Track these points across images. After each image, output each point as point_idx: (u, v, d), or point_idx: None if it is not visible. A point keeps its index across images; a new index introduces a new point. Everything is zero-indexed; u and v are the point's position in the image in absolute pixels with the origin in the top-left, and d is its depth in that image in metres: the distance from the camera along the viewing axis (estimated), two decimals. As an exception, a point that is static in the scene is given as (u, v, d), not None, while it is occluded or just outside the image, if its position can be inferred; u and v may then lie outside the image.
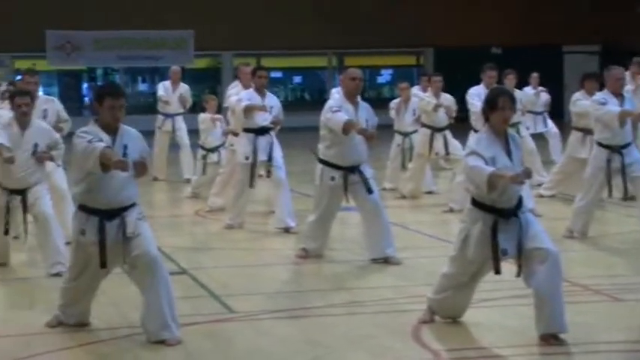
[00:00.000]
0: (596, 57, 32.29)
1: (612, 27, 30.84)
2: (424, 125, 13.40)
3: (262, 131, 10.94)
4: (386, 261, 9.05)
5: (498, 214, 6.37)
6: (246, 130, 11.00)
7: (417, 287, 8.14)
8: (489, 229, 6.36)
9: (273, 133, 11.10)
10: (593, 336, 6.59)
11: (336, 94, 9.87)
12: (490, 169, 6.23)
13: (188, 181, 14.86)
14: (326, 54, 32.54)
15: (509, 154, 6.41)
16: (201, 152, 13.67)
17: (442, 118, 13.23)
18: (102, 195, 6.50)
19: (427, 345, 6.44)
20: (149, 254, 6.52)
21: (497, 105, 6.37)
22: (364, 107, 9.22)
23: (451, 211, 11.93)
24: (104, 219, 6.51)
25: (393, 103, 14.37)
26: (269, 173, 10.97)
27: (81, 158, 6.42)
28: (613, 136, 9.74)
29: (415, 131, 13.81)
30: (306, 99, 33.08)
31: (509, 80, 13.84)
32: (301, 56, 32.16)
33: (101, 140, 6.43)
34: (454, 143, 13.14)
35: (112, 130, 6.57)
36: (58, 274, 8.36)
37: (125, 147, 6.55)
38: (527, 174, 6.31)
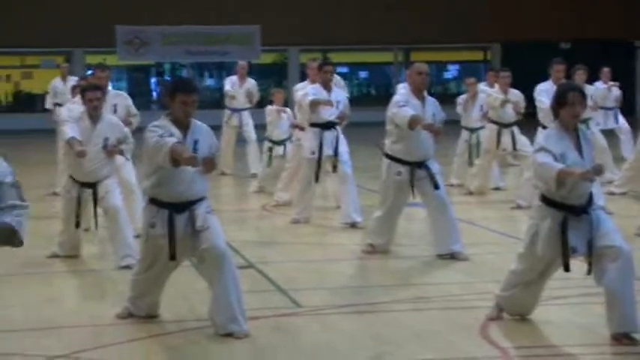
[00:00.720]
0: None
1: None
2: (491, 121, 13.31)
3: (328, 126, 10.95)
4: (452, 257, 9.01)
5: (568, 211, 6.29)
6: (313, 125, 11.04)
7: (484, 284, 8.09)
8: (559, 225, 6.27)
9: (339, 128, 11.11)
10: None
11: (402, 89, 9.80)
12: (559, 165, 6.16)
13: (254, 175, 14.96)
14: (392, 49, 32.46)
15: (579, 150, 6.33)
16: (267, 144, 13.72)
17: (510, 114, 13.12)
18: (172, 188, 6.56)
19: (495, 342, 6.39)
20: (218, 248, 6.56)
21: (567, 100, 6.27)
22: (431, 102, 9.18)
23: (519, 207, 11.84)
24: (174, 212, 6.57)
25: (460, 99, 14.29)
26: (335, 168, 10.99)
27: (152, 152, 6.46)
28: None
29: (482, 127, 13.72)
30: (372, 94, 33.05)
31: (579, 76, 13.63)
32: (368, 51, 32.13)
33: (172, 135, 6.47)
34: (522, 139, 13.02)
35: (183, 125, 6.57)
36: (127, 267, 8.46)
37: (196, 142, 6.57)
38: (598, 171, 6.22)
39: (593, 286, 6.48)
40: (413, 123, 8.83)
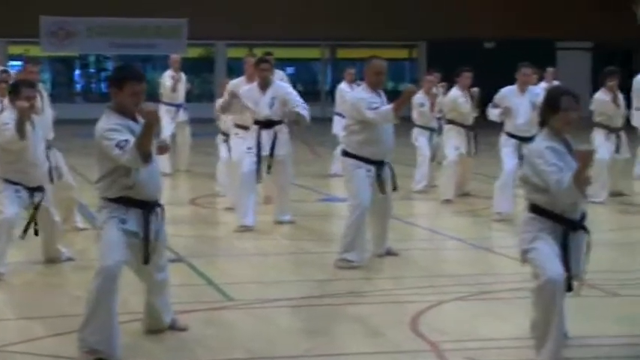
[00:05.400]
0: (589, 54, 32.41)
1: (605, 24, 30.95)
2: (453, 122, 12.99)
3: (266, 124, 10.73)
4: (387, 252, 9.04)
5: (568, 225, 5.76)
6: (255, 123, 10.76)
7: (414, 279, 8.20)
8: (559, 240, 5.75)
9: (281, 126, 10.82)
10: (591, 330, 6.64)
11: (361, 90, 8.92)
12: (567, 175, 5.58)
13: (189, 171, 14.86)
14: (319, 46, 32.57)
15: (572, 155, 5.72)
16: (221, 137, 13.30)
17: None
18: (144, 187, 6.15)
19: (425, 336, 6.47)
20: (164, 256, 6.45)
21: (561, 106, 5.74)
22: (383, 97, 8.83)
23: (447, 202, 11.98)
24: (147, 212, 6.17)
25: (419, 98, 13.70)
26: (269, 168, 10.79)
27: (118, 161, 5.95)
28: None
29: (439, 127, 13.57)
30: (298, 90, 33.05)
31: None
32: (294, 47, 32.18)
33: (132, 131, 5.99)
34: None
35: (131, 117, 6.11)
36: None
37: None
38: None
39: (522, 282, 6.60)
40: (397, 110, 8.50)
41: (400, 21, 30.70)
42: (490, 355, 6.05)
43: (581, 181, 5.51)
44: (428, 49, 32.16)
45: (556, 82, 16.70)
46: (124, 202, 6.08)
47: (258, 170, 10.59)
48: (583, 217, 5.82)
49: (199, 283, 8.14)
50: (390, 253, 9.04)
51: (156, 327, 6.54)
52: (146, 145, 5.89)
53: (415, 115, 13.82)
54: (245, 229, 10.38)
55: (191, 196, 13.49)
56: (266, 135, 10.61)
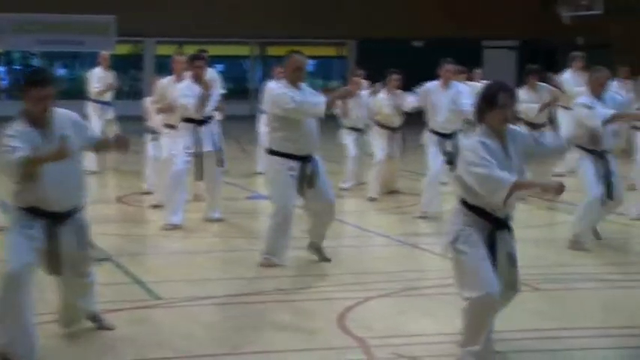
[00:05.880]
0: (514, 52, 32.88)
1: (530, 23, 31.44)
2: (380, 125, 13.04)
3: (201, 121, 10.64)
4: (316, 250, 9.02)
5: (495, 223, 5.68)
6: (186, 121, 10.71)
7: (342, 276, 8.25)
8: (486, 238, 5.65)
9: (213, 123, 10.79)
10: (510, 324, 6.75)
11: (281, 86, 8.77)
12: (511, 178, 5.50)
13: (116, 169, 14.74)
14: (248, 43, 32.51)
15: (506, 152, 5.65)
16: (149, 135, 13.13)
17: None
18: (52, 195, 5.96)
19: (352, 332, 6.52)
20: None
21: (498, 102, 5.58)
22: (307, 91, 8.67)
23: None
24: (55, 223, 6.01)
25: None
26: (221, 162, 10.71)
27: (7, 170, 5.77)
28: None
29: (366, 127, 13.50)
30: (228, 88, 32.95)
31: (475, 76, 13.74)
32: (224, 45, 32.07)
33: (32, 141, 5.76)
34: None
35: (41, 123, 5.82)
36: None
37: (63, 137, 5.74)
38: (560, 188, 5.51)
39: (447, 278, 6.66)
40: (330, 105, 8.43)
41: (330, 19, 30.79)
42: (416, 350, 6.12)
43: (521, 189, 5.51)
44: (357, 47, 32.30)
45: (485, 81, 16.80)
46: (32, 211, 5.89)
47: (198, 168, 10.54)
48: (507, 217, 5.76)
49: (126, 281, 8.08)
50: (322, 256, 8.84)
51: (73, 326, 6.46)
52: (35, 166, 5.66)
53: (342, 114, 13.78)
54: (172, 227, 10.33)
55: (118, 194, 13.40)
56: (202, 132, 10.59)
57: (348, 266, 8.73)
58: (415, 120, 12.69)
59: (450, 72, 11.49)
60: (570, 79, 14.15)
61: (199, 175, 10.69)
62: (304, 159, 8.51)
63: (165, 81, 11.73)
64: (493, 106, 5.58)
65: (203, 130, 10.61)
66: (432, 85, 11.46)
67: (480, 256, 5.59)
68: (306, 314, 7.05)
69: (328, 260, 8.77)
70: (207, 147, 10.62)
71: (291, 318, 6.96)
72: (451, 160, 11.33)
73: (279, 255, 8.60)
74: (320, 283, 8.11)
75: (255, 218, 11.67)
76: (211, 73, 11.65)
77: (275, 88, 8.67)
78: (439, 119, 11.29)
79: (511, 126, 5.73)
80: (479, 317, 5.61)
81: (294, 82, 8.55)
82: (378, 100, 13.08)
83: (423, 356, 6.01)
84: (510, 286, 5.79)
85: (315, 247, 8.87)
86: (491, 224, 5.64)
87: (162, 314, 7.07)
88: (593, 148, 9.18)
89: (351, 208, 12.44)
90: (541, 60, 31.17)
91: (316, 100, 8.47)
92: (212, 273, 8.65)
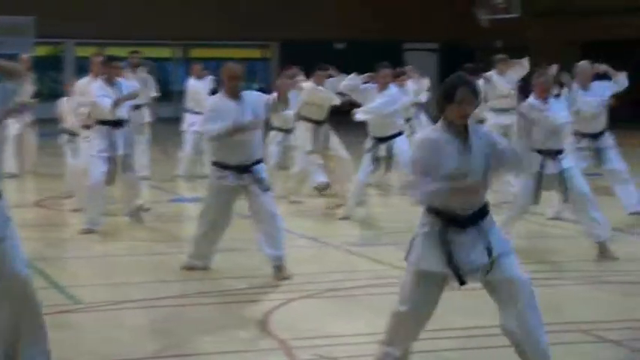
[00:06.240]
0: (436, 55, 33.27)
1: (449, 26, 31.84)
2: (305, 119, 12.87)
3: (117, 124, 10.55)
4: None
5: (450, 221, 5.40)
6: (101, 123, 10.61)
7: (265, 278, 8.25)
8: (438, 235, 5.40)
9: (130, 125, 10.75)
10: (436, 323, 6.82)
11: (216, 99, 8.50)
12: (445, 185, 5.32)
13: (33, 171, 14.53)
14: (171, 45, 32.30)
15: (470, 149, 5.38)
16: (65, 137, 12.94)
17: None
18: None
19: (274, 334, 6.54)
20: (19, 275, 5.60)
21: (456, 97, 5.34)
22: (249, 100, 8.30)
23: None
24: None
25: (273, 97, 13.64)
26: (122, 169, 10.58)
27: None
28: None
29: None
30: (150, 90, 32.68)
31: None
32: (147, 46, 31.81)
33: None
34: (333, 139, 12.79)
35: None
36: None
37: None
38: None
39: (376, 278, 6.73)
40: (233, 133, 8.09)
41: (253, 21, 30.76)
42: (338, 351, 6.15)
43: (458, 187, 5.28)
44: (281, 49, 32.32)
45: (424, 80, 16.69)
46: None
47: (109, 172, 10.42)
48: (478, 213, 5.42)
49: (44, 286, 7.95)
50: (281, 272, 8.32)
51: None
52: None
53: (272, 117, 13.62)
54: (90, 231, 10.27)
55: (37, 197, 13.20)
56: (117, 134, 10.49)
57: (271, 268, 8.72)
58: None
59: (388, 77, 11.51)
60: (498, 79, 14.33)
61: (110, 179, 10.50)
62: (242, 169, 8.27)
63: (83, 81, 11.64)
64: (451, 101, 5.36)
65: (117, 133, 10.51)
66: (370, 87, 11.44)
67: (417, 272, 5.42)
68: (228, 317, 7.04)
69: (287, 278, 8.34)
70: (120, 150, 10.51)
71: (214, 321, 6.94)
72: (385, 163, 11.37)
73: (202, 259, 8.56)
74: (243, 285, 8.11)
75: (178, 221, 11.62)
76: (143, 75, 11.55)
77: (207, 109, 8.43)
78: (374, 123, 11.32)
79: (476, 124, 5.57)
80: (400, 326, 5.62)
81: (231, 92, 8.22)
82: (307, 90, 12.81)
83: (343, 357, 6.05)
84: (505, 281, 5.40)
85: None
86: (443, 221, 5.40)
87: (84, 319, 7.00)
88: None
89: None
90: (461, 62, 31.62)
91: (226, 125, 8.06)
92: (134, 276, 8.58)
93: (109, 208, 11.04)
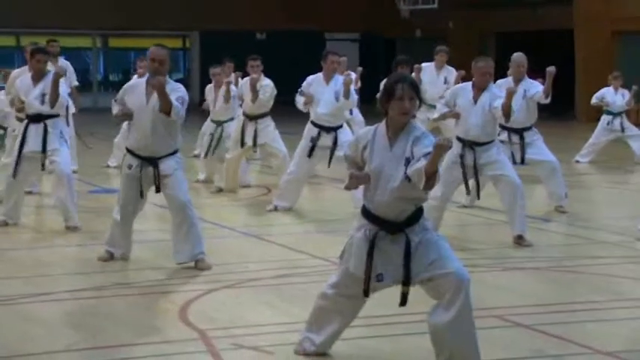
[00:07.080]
0: (357, 44, 33.46)
1: (370, 16, 32.04)
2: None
3: (34, 119, 10.05)
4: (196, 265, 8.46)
5: (381, 226, 5.45)
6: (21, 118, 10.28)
7: (184, 269, 8.20)
8: (368, 241, 5.45)
9: (52, 120, 10.23)
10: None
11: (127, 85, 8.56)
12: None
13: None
14: (90, 34, 31.90)
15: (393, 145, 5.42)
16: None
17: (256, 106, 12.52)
18: None
19: (194, 325, 6.51)
20: None
21: (395, 94, 5.37)
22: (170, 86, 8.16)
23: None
24: None
25: (208, 89, 13.34)
26: (43, 166, 10.12)
27: None
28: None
29: (231, 119, 13.01)
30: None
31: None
32: (65, 36, 31.36)
33: None
34: (269, 133, 12.41)
35: None
36: None
37: None
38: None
39: (288, 268, 6.75)
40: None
41: (172, 10, 30.52)
42: (256, 340, 6.15)
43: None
44: (201, 39, 32.14)
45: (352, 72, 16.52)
46: None
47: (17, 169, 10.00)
48: (408, 220, 5.46)
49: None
50: (200, 264, 8.25)
51: None
52: None
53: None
54: (4, 223, 10.07)
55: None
56: (34, 130, 10.02)
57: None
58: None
59: (336, 63, 11.25)
60: (427, 72, 14.40)
61: (15, 173, 9.98)
62: (146, 160, 8.15)
63: (18, 71, 11.30)
64: (391, 97, 5.39)
65: (38, 127, 9.99)
66: (314, 78, 11.18)
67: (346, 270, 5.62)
68: (146, 308, 7.00)
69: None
70: (29, 147, 10.00)
71: (131, 312, 6.89)
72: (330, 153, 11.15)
73: (119, 248, 8.48)
74: (161, 276, 8.05)
75: (96, 213, 11.47)
76: (63, 64, 11.19)
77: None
78: (320, 111, 11.04)
79: (418, 125, 5.54)
80: (321, 311, 5.73)
81: (153, 74, 8.08)
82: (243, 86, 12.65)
83: (263, 346, 6.05)
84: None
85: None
86: (376, 227, 5.45)
87: (-3, 313, 6.88)
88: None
89: (195, 201, 12.29)
90: (382, 52, 31.85)
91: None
92: (50, 269, 8.45)
93: (28, 199, 10.89)
